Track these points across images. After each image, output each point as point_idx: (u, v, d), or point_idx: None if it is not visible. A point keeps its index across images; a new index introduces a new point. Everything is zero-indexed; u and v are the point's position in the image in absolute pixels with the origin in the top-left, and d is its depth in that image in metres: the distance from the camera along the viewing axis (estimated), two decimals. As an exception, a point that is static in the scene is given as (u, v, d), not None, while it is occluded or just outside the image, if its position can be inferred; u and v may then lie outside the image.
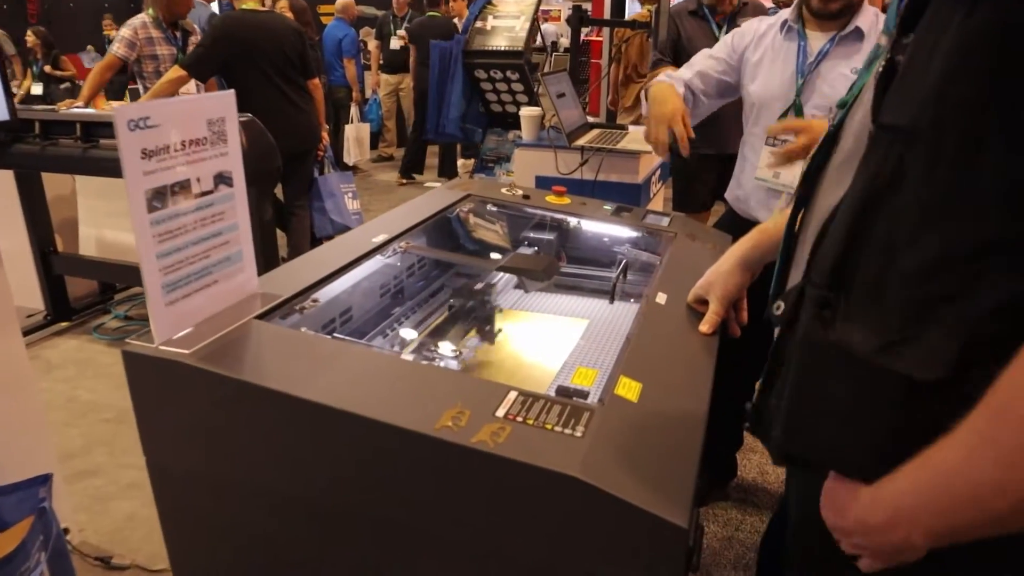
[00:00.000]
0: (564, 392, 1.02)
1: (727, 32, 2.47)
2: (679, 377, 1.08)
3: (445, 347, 1.32)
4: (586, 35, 7.68)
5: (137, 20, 3.70)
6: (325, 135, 3.93)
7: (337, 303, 1.36)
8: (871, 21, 1.78)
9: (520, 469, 0.83)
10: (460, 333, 1.44)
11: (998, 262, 0.64)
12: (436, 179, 6.80)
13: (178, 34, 3.78)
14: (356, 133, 6.66)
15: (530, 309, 1.61)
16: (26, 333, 3.38)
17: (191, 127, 1.08)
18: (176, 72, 3.40)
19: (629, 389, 0.99)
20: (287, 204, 3.83)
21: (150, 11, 3.70)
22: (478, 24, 3.66)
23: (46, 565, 1.79)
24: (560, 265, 1.74)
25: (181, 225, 1.08)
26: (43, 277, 3.46)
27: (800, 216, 0.94)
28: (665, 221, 1.76)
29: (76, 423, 2.73)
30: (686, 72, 2.02)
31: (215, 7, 7.63)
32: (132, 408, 1.07)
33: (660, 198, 3.19)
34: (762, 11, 2.97)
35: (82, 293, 3.72)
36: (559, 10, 10.70)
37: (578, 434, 0.88)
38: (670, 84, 1.90)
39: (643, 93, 2.00)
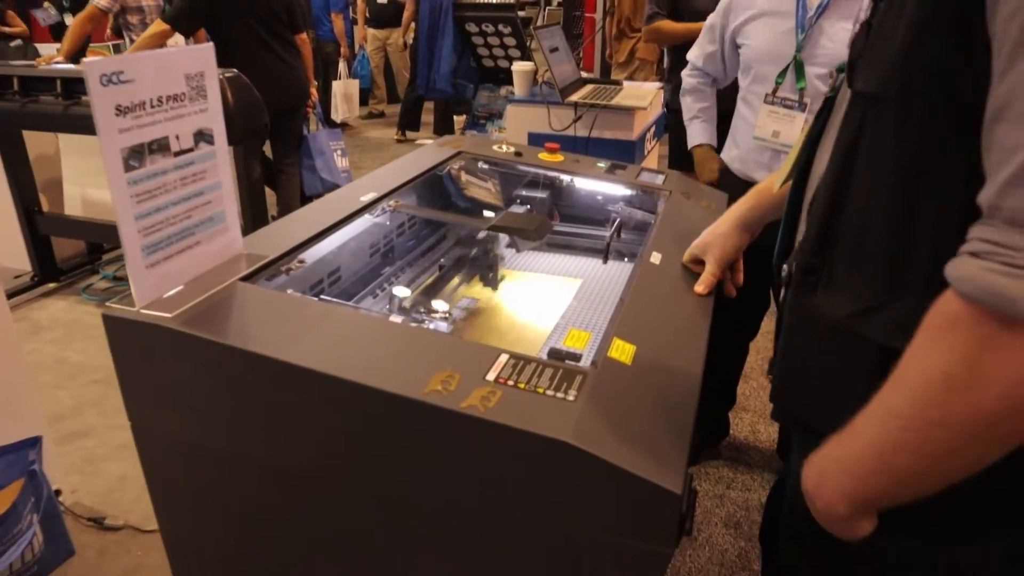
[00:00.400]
0: (556, 355, 1.00)
1: None
2: (674, 339, 1.06)
3: (434, 308, 1.30)
4: (579, -12, 7.52)
5: (120, -33, 3.59)
6: (314, 91, 3.85)
7: (325, 264, 1.33)
8: None
9: (511, 434, 0.81)
10: (450, 294, 1.41)
11: (965, 228, 0.63)
12: (432, 136, 6.70)
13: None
14: (344, 89, 6.54)
15: (522, 269, 1.59)
16: (13, 294, 3.35)
17: (168, 82, 1.03)
18: (158, 26, 3.30)
19: (622, 352, 0.97)
20: (276, 162, 3.77)
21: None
22: (469, -24, 3.58)
23: (39, 527, 1.79)
24: (553, 224, 1.71)
25: (160, 185, 1.04)
26: (28, 238, 3.41)
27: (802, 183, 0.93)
28: (660, 179, 1.73)
29: (66, 385, 2.71)
30: (698, 60, 2.09)
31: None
32: (117, 372, 1.05)
33: (655, 155, 3.15)
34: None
35: (70, 254, 3.68)
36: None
37: (570, 398, 0.86)
38: (708, 149, 2.08)
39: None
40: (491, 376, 0.89)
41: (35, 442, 1.82)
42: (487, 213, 1.74)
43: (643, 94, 2.85)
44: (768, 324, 2.19)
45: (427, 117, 6.79)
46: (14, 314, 3.20)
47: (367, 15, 7.06)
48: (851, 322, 0.76)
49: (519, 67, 2.88)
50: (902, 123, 0.71)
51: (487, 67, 3.57)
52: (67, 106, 2.91)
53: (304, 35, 3.71)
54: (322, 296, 1.26)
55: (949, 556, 0.80)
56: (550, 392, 0.87)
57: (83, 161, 3.62)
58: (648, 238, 1.38)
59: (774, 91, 1.82)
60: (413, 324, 1.22)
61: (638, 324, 1.06)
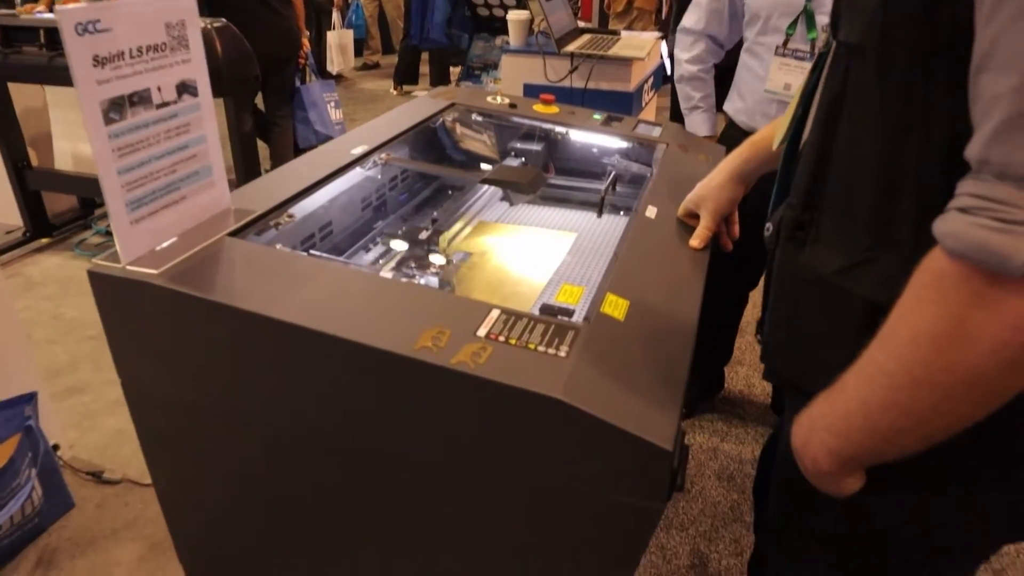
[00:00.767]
0: (548, 310, 0.99)
1: None
2: (668, 294, 1.04)
3: (426, 264, 1.28)
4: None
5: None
6: (306, 41, 3.77)
7: (315, 218, 1.31)
8: None
9: (502, 391, 0.81)
10: (442, 248, 1.39)
11: (951, 182, 0.61)
12: (429, 90, 6.56)
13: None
14: (339, 40, 6.41)
15: (516, 222, 1.57)
16: (5, 250, 3.32)
17: (147, 32, 1.00)
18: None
19: (616, 307, 0.96)
20: (268, 115, 3.71)
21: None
22: (463, -80, 3.47)
23: (36, 480, 1.80)
24: (547, 177, 1.68)
25: (143, 138, 1.02)
26: (18, 193, 3.37)
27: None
28: (657, 131, 1.70)
29: (61, 341, 2.71)
30: (699, 23, 2.02)
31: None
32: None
33: (653, 107, 3.10)
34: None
35: (62, 209, 3.64)
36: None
37: (562, 354, 0.85)
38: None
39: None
40: (482, 332, 0.88)
41: (31, 398, 1.82)
42: (481, 166, 1.71)
43: (641, 44, 2.79)
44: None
45: (424, 69, 6.66)
46: (7, 270, 3.19)
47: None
48: (839, 278, 0.75)
49: (514, 16, 2.81)
50: (884, 74, 0.69)
51: (482, 16, 3.48)
52: (51, 57, 2.85)
53: (295, -16, 3.62)
54: (312, 251, 1.24)
55: (931, 511, 0.80)
56: (541, 348, 0.86)
57: (72, 114, 3.55)
58: (643, 191, 1.36)
59: (785, 43, 1.77)
60: (404, 279, 1.21)
61: (632, 279, 1.04)
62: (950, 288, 0.59)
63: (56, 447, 1.99)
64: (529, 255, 1.40)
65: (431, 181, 1.70)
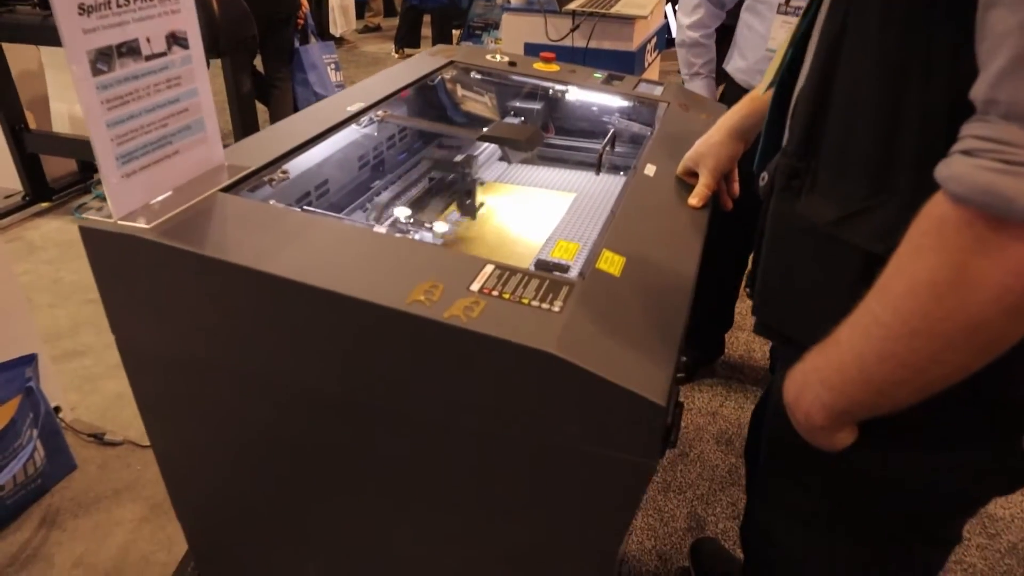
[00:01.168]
0: (543, 266, 0.98)
1: None
2: (665, 251, 1.03)
3: (421, 221, 1.27)
4: None
5: None
6: (305, 2, 3.71)
7: (308, 175, 1.30)
8: None
9: (494, 345, 0.80)
10: (440, 207, 1.38)
11: (953, 127, 0.59)
12: (430, 53, 6.47)
13: None
14: (340, 1, 6.31)
15: (515, 182, 1.55)
16: (5, 214, 3.31)
17: (134, -21, 0.97)
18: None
19: (611, 263, 0.95)
20: (268, 76, 3.67)
21: None
22: None
23: (39, 442, 1.81)
24: (547, 136, 1.66)
25: (132, 90, 1.00)
26: (17, 156, 3.34)
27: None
28: (658, 90, 1.67)
29: (62, 304, 2.71)
30: None
31: None
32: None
33: (656, 68, 3.05)
34: None
35: (61, 173, 3.62)
36: None
37: (556, 309, 0.84)
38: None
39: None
40: (475, 287, 0.87)
41: (31, 359, 1.82)
42: (479, 125, 1.69)
43: (644, 2, 2.73)
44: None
45: (426, 32, 6.56)
46: (7, 234, 3.18)
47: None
48: (835, 228, 0.73)
49: (516, -26, 2.76)
50: (886, 17, 0.67)
51: (484, -24, 3.42)
52: (45, 16, 2.81)
53: (293, -58, 3.55)
54: (306, 207, 1.23)
55: (923, 465, 0.79)
56: (535, 303, 0.85)
57: (68, 76, 3.51)
58: (643, 150, 1.34)
59: (787, 0, 1.74)
60: (398, 235, 1.19)
61: (629, 236, 1.03)
62: (951, 234, 0.57)
63: (58, 409, 2.00)
64: (527, 215, 1.39)
65: (428, 139, 1.67)
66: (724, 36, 2.05)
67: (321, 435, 1.02)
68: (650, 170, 1.24)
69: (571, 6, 2.56)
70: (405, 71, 1.64)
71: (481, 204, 1.41)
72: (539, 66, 1.72)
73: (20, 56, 3.32)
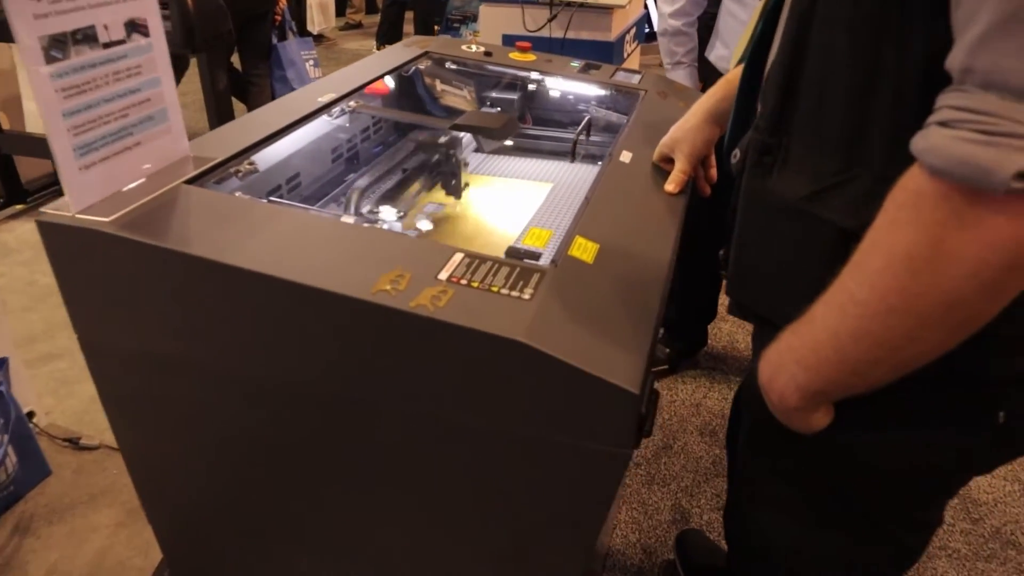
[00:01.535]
0: (514, 254, 0.96)
1: None
2: (640, 238, 1.01)
3: (393, 212, 1.24)
4: None
5: None
6: (282, -3, 3.67)
7: (279, 168, 1.27)
8: None
9: (462, 334, 0.77)
10: (412, 198, 1.35)
11: (927, 97, 0.58)
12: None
13: None
14: (320, -2, 6.27)
15: (491, 173, 1.53)
16: (-21, 216, 3.26)
17: (88, -37, 0.94)
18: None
19: (584, 250, 0.93)
20: (245, 73, 3.62)
21: None
22: None
23: (10, 447, 1.77)
24: (524, 127, 1.64)
25: (89, 79, 0.97)
26: (-10, 157, 3.29)
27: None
28: (636, 79, 1.65)
29: (37, 307, 2.66)
30: None
31: None
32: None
33: (636, 59, 3.03)
34: None
35: (36, 174, 3.56)
36: None
37: (526, 297, 0.82)
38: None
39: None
40: (443, 275, 0.84)
41: (1, 363, 1.78)
42: (454, 115, 1.66)
43: (624, -7, 2.72)
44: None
45: (408, 28, 6.52)
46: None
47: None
48: (808, 204, 0.72)
49: (493, -36, 2.73)
50: None
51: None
52: (15, 14, 2.75)
53: (269, -64, 3.50)
54: (274, 200, 1.20)
55: (899, 446, 0.78)
56: (505, 291, 0.82)
57: (42, 75, 3.45)
58: (619, 137, 1.32)
59: None
60: (367, 225, 1.17)
61: (603, 223, 1.01)
62: (928, 208, 0.56)
63: (32, 414, 1.96)
64: (503, 206, 1.36)
65: (401, 130, 1.65)
66: (708, 25, 2.04)
67: (291, 431, 0.99)
68: (626, 157, 1.23)
69: (549, -4, 2.54)
70: (379, 62, 1.61)
71: (467, 184, 1.39)
72: (515, 56, 1.70)
73: (-8, 55, 3.27)
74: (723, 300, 2.57)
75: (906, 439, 0.77)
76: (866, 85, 0.66)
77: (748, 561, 1.09)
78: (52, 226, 0.96)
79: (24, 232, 3.22)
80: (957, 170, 0.53)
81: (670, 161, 1.19)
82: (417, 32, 6.11)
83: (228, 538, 1.23)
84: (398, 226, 1.21)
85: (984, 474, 0.86)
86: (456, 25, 3.22)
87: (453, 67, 1.70)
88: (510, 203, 1.36)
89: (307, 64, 3.70)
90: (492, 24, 2.60)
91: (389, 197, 1.32)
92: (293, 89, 3.61)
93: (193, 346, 0.97)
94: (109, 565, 1.66)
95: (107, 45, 0.99)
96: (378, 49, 6.28)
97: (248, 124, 1.27)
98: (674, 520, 1.86)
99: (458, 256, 0.88)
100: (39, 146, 3.36)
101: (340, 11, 7.06)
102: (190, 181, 1.06)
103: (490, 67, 1.68)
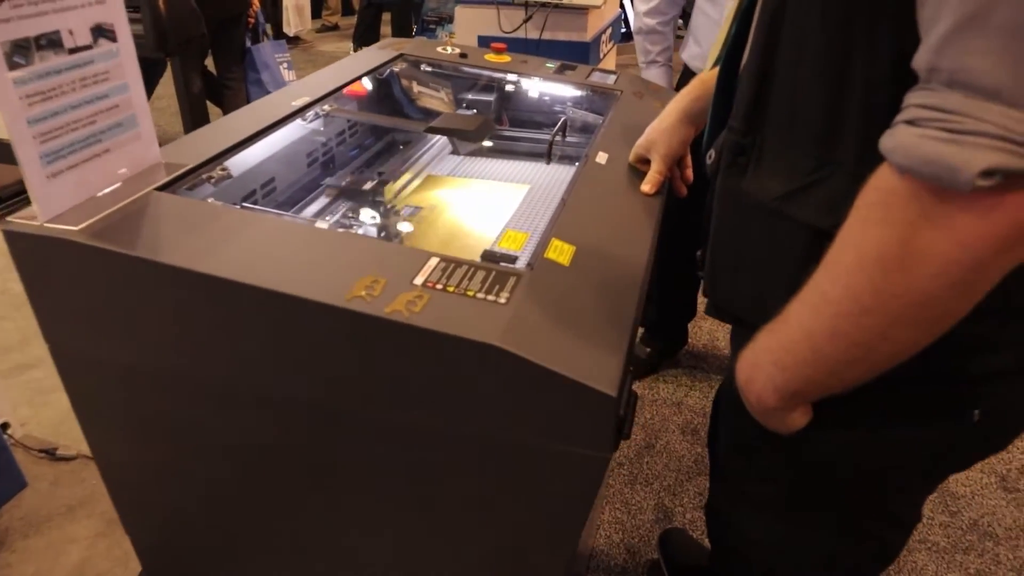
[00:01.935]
0: (490, 257, 0.95)
1: None
2: (616, 239, 1.01)
3: (367, 217, 1.23)
4: None
5: None
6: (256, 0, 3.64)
7: (253, 173, 1.26)
8: None
9: (438, 339, 0.77)
10: (387, 202, 1.34)
11: (897, 96, 0.58)
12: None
13: None
14: (295, 0, 6.22)
15: (467, 175, 1.52)
16: (-51, 224, 3.20)
17: (52, -33, 0.93)
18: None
19: (561, 252, 0.93)
20: (219, 76, 3.59)
21: None
22: None
23: (-17, 459, 1.74)
24: (500, 128, 1.63)
25: (55, 85, 0.95)
26: (-40, 164, 3.23)
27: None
28: (611, 79, 1.65)
29: (11, 316, 2.62)
30: None
31: None
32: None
33: (612, 59, 3.04)
34: None
35: (8, 181, 3.50)
36: None
37: (502, 300, 0.81)
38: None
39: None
40: (419, 280, 0.84)
41: (-28, 373, 1.75)
42: (429, 117, 1.66)
43: (599, -6, 2.72)
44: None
45: (385, 30, 6.49)
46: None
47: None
48: (782, 203, 0.72)
49: (468, -34, 2.72)
50: None
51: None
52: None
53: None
54: (245, 206, 1.19)
55: (878, 444, 0.78)
56: (481, 295, 0.82)
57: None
58: (595, 138, 1.32)
59: None
60: (341, 230, 1.16)
61: (579, 225, 1.01)
62: (898, 207, 0.56)
63: (6, 425, 1.93)
64: (480, 208, 1.36)
65: (381, 135, 1.64)
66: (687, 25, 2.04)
67: (267, 441, 0.98)
68: (602, 158, 1.22)
69: (524, -3, 2.54)
70: (354, 65, 1.60)
71: (435, 195, 1.38)
72: (490, 57, 1.69)
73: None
74: (702, 298, 2.58)
75: (884, 437, 0.77)
76: (837, 84, 0.66)
77: (730, 559, 1.09)
78: (19, 235, 0.94)
79: (-4, 240, 3.17)
80: (924, 169, 0.53)
81: (646, 162, 1.19)
82: (394, 34, 6.08)
83: (208, 548, 1.22)
84: (373, 231, 1.20)
85: (961, 471, 0.87)
86: (432, 26, 3.21)
87: (428, 69, 1.69)
88: (486, 205, 1.36)
89: (281, 67, 3.67)
90: (468, 25, 2.60)
91: (364, 202, 1.31)
92: (268, 92, 3.59)
93: (166, 356, 0.95)
94: (87, 577, 1.64)
95: (73, 51, 0.97)
96: (355, 51, 6.24)
97: (221, 129, 1.25)
98: (657, 519, 1.86)
99: (434, 260, 0.87)
100: (10, 152, 3.31)
101: (316, 13, 7.01)
102: (162, 188, 1.05)
103: (465, 69, 1.67)
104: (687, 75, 1.97)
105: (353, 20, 6.46)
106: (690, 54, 1.94)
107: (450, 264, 0.87)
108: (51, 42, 0.94)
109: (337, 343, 0.83)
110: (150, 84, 3.55)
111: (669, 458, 2.05)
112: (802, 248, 0.70)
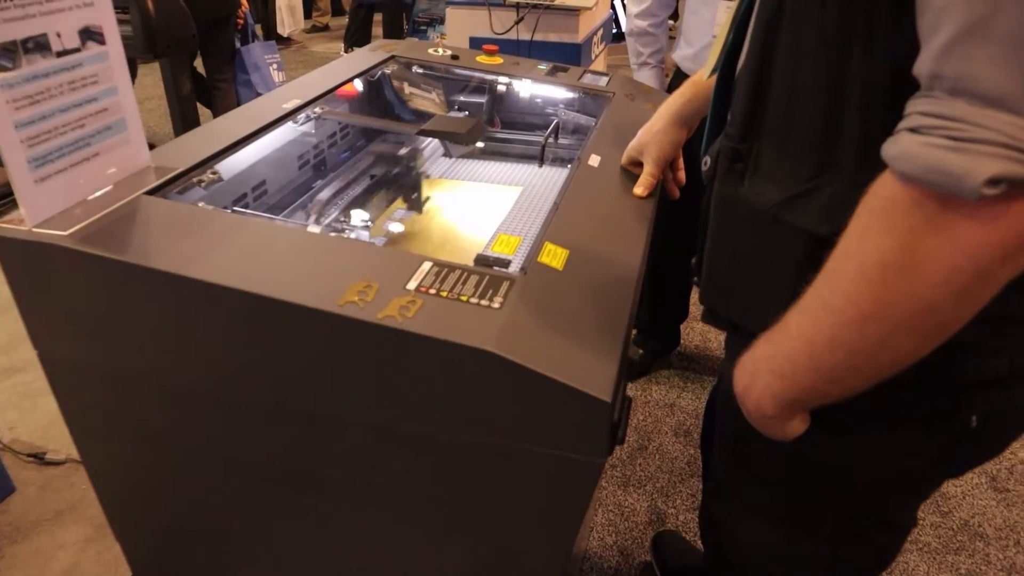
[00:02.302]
0: (483, 261, 0.95)
1: None
2: (609, 243, 1.01)
3: (360, 220, 1.22)
4: None
5: None
6: (245, 1, 3.62)
7: (243, 176, 1.25)
8: None
9: (431, 345, 0.76)
10: (380, 205, 1.34)
11: (896, 102, 0.58)
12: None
13: None
14: (287, 1, 6.19)
15: (460, 178, 1.52)
16: (-65, 226, 3.17)
17: (39, -30, 0.92)
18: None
19: (554, 256, 0.92)
20: (209, 78, 3.57)
21: None
22: None
23: (-31, 465, 1.73)
24: (492, 130, 1.63)
25: (42, 89, 0.94)
26: (-54, 166, 3.20)
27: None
28: (603, 81, 1.65)
29: (-2, 319, 2.60)
30: None
31: None
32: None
33: (603, 60, 3.04)
34: None
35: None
36: None
37: (496, 305, 0.81)
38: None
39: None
40: (412, 285, 0.83)
41: (-41, 378, 1.74)
42: (421, 120, 1.65)
43: (590, -5, 2.72)
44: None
45: (376, 31, 6.46)
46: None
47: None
48: (780, 210, 0.71)
49: (460, -33, 2.72)
50: None
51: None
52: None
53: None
54: (236, 210, 1.18)
55: (875, 450, 0.78)
56: (474, 300, 0.81)
57: None
58: (588, 140, 1.32)
59: None
60: (333, 235, 1.15)
61: (572, 228, 1.01)
62: (900, 215, 0.55)
63: (-7, 430, 1.91)
64: (472, 211, 1.35)
65: (368, 136, 1.63)
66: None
67: (258, 446, 0.97)
68: (595, 161, 1.22)
69: (516, -1, 2.54)
70: (345, 67, 1.60)
71: (428, 198, 1.38)
72: (482, 59, 1.69)
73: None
74: (694, 299, 2.58)
75: (881, 444, 0.77)
76: (835, 91, 0.66)
77: (723, 563, 1.09)
78: (6, 240, 0.93)
79: (-17, 243, 3.14)
80: (928, 176, 0.53)
81: (638, 165, 1.19)
82: (386, 35, 6.06)
83: (197, 553, 1.21)
84: (365, 235, 1.19)
85: (957, 476, 0.87)
86: (423, 28, 3.20)
87: (420, 71, 1.68)
88: (479, 208, 1.36)
89: (271, 68, 3.65)
90: (459, 27, 2.59)
91: (356, 205, 1.30)
92: (258, 94, 3.58)
93: (156, 361, 0.95)
94: (76, 583, 1.63)
95: (61, 54, 0.96)
96: (346, 52, 6.22)
97: (211, 132, 1.24)
98: (650, 521, 1.86)
99: (427, 265, 0.87)
100: (-3, 154, 3.29)
101: (306, 14, 6.99)
102: (151, 192, 1.04)
103: (457, 71, 1.67)
104: (679, 76, 1.97)
105: (343, 21, 6.44)
106: (681, 55, 1.94)
107: (443, 268, 0.86)
108: (38, 45, 0.93)
109: (329, 349, 0.83)
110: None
111: (662, 460, 2.05)
112: (801, 255, 0.70)
